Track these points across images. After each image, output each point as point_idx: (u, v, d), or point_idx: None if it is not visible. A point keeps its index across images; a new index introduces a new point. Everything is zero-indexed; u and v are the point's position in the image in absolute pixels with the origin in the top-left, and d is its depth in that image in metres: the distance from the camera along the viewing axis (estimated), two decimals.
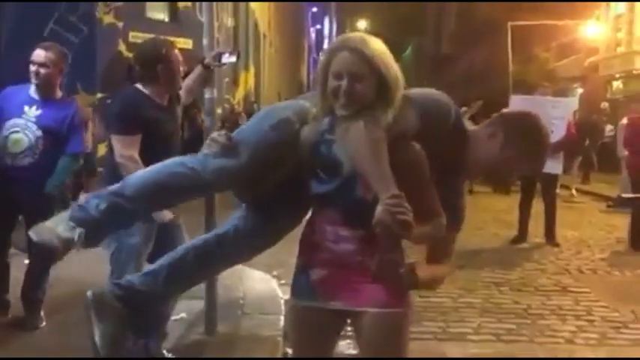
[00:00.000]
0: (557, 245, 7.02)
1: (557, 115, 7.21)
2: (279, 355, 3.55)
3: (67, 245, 2.02)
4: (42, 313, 3.86)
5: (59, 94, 3.92)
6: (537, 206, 7.31)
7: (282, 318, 4.05)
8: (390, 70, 1.88)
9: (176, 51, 3.29)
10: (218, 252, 2.20)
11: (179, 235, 3.26)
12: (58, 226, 2.03)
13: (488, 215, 9.00)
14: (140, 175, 2.15)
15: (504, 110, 2.22)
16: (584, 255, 6.73)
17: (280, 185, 2.08)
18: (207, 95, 3.86)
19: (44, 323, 3.84)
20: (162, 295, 2.27)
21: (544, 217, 7.22)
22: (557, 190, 9.63)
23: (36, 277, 3.85)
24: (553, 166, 7.17)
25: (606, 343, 4.11)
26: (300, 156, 1.98)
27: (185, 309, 4.30)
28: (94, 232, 2.07)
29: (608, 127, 14.24)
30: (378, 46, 1.90)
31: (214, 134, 2.11)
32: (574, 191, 11.68)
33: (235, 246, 2.19)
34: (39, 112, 3.75)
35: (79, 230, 2.03)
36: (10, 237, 3.96)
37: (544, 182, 7.27)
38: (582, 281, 5.63)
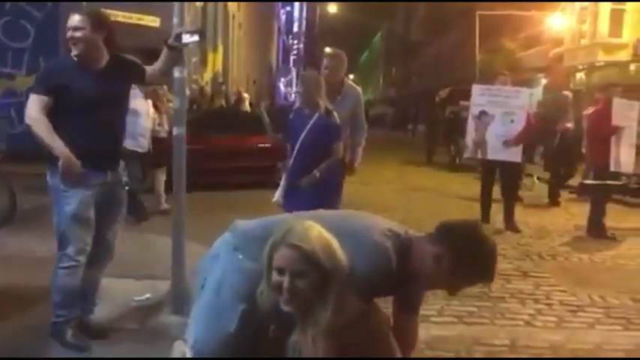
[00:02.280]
0: (518, 231, 7.18)
1: (518, 104, 7.36)
2: None
3: None
4: None
5: None
6: (499, 192, 7.46)
7: None
8: (332, 262, 1.86)
9: (87, 18, 3.24)
10: None
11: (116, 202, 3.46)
12: None
13: (453, 202, 9.15)
14: None
15: (445, 222, 2.15)
16: (545, 241, 6.91)
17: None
18: (176, 74, 3.82)
19: None
20: None
21: (504, 204, 7.38)
22: (523, 181, 9.88)
23: None
24: (512, 154, 7.33)
25: (563, 326, 4.25)
26: (265, 320, 2.04)
27: (150, 290, 4.30)
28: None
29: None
30: (319, 238, 1.87)
31: (182, 355, 2.08)
32: (535, 179, 11.93)
33: None
34: None
35: None
36: None
37: (503, 170, 7.43)
38: (542, 266, 5.78)
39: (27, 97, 3.31)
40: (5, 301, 3.86)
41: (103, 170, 3.35)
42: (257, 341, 2.14)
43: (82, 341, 3.36)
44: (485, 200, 7.42)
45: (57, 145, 3.17)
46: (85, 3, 11.08)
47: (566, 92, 11.25)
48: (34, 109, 3.21)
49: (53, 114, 3.22)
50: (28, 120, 3.22)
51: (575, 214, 8.39)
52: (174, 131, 3.92)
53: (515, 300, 4.74)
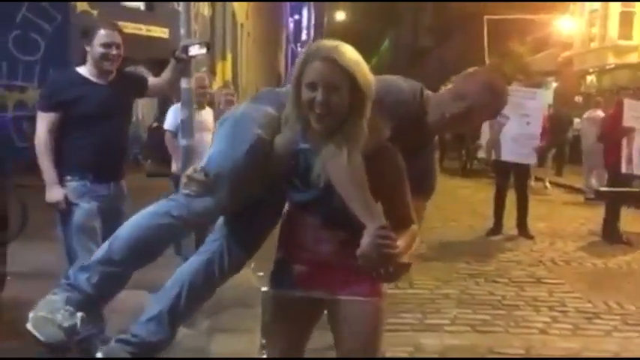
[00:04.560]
0: (531, 237, 7.11)
1: (533, 106, 7.30)
2: (257, 347, 3.54)
3: (72, 333, 1.97)
4: None
5: None
6: (512, 198, 7.39)
7: (259, 309, 4.04)
8: (365, 79, 1.83)
9: (104, 31, 3.24)
10: (209, 282, 2.16)
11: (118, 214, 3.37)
12: (54, 314, 1.96)
13: (464, 207, 9.09)
14: (125, 234, 2.07)
15: (468, 71, 2.15)
16: (558, 247, 6.84)
17: (257, 197, 2.06)
18: (183, 85, 3.82)
19: None
20: (172, 338, 2.22)
21: (517, 209, 7.31)
22: (532, 183, 9.79)
23: None
24: (527, 156, 7.26)
25: (579, 334, 4.19)
26: (276, 166, 1.95)
27: None
28: (92, 307, 2.05)
29: (576, 121, 14.47)
30: (351, 54, 1.84)
31: (190, 172, 2.03)
32: (547, 183, 11.84)
33: (222, 271, 2.15)
34: None
35: (79, 314, 1.98)
36: None
37: (517, 174, 7.35)
38: (556, 272, 5.72)
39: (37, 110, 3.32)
40: (19, 316, 3.85)
41: (107, 183, 3.36)
42: (266, 179, 2.02)
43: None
44: (500, 205, 7.33)
45: (49, 174, 3.21)
46: (95, 12, 11.21)
47: (577, 98, 11.19)
48: (42, 128, 3.24)
49: (60, 127, 3.24)
50: (35, 139, 3.26)
51: (589, 218, 8.31)
52: (182, 142, 3.91)
53: (530, 307, 4.68)
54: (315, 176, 1.88)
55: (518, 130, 7.13)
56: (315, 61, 1.80)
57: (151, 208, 2.07)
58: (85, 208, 3.25)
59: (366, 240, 1.72)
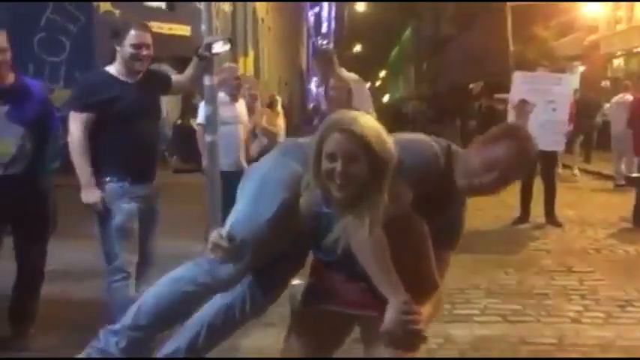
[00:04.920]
0: (559, 225, 7.01)
1: (560, 92, 7.17)
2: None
3: None
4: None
5: (11, 77, 3.33)
6: (539, 187, 7.29)
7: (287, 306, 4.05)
8: (384, 148, 1.84)
9: (134, 32, 3.25)
10: (229, 325, 2.23)
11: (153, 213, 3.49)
12: None
13: (491, 197, 8.95)
14: (151, 301, 2.15)
15: (493, 134, 2.08)
16: (588, 234, 6.73)
17: (281, 249, 2.12)
18: (206, 82, 3.83)
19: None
20: None
21: (544, 197, 7.20)
22: (560, 170, 9.64)
23: (27, 291, 3.56)
24: (556, 143, 7.14)
25: (612, 322, 4.12)
26: (300, 225, 1.99)
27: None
28: None
29: (606, 106, 14.21)
30: (369, 123, 1.85)
31: (216, 238, 2.05)
32: (576, 170, 11.66)
33: (243, 315, 2.22)
34: (6, 106, 3.25)
35: None
36: None
37: (544, 160, 7.23)
38: (587, 261, 5.63)
39: (67, 110, 3.34)
40: (53, 315, 3.93)
41: (143, 183, 3.39)
42: (291, 257, 2.10)
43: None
44: (526, 194, 7.21)
45: (84, 175, 3.22)
46: (118, 12, 11.32)
47: (604, 82, 10.98)
48: (76, 128, 3.22)
49: (94, 129, 3.24)
50: (68, 138, 3.25)
51: (619, 205, 8.14)
52: (207, 138, 3.93)
53: (560, 296, 4.62)
54: (333, 241, 1.90)
55: (544, 117, 7.00)
56: (334, 132, 1.83)
57: (177, 273, 2.15)
58: (125, 209, 3.27)
59: (390, 316, 1.73)
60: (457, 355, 3.59)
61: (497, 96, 13.79)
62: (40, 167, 3.44)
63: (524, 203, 7.22)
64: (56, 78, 11.80)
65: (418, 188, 1.94)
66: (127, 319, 2.15)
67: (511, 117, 7.26)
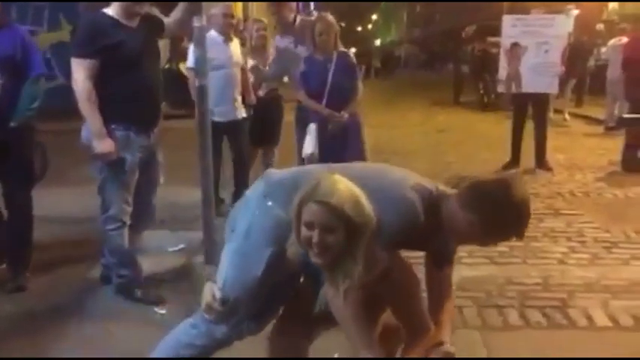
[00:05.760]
0: (550, 169, 7.05)
1: (552, 33, 7.09)
2: None
3: None
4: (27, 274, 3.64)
5: None
6: (530, 131, 7.30)
7: None
8: (361, 216, 1.83)
9: None
10: (221, 346, 2.25)
11: (155, 163, 3.50)
12: None
13: (481, 142, 9.01)
14: None
15: (476, 184, 2.01)
16: (577, 178, 6.80)
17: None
18: (195, 24, 3.75)
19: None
20: None
21: (535, 141, 7.22)
22: (551, 115, 9.64)
23: (17, 236, 3.57)
24: (549, 85, 7.10)
25: (597, 263, 4.21)
26: (288, 266, 2.04)
27: (184, 240, 4.37)
28: None
29: (603, 50, 14.08)
30: (347, 192, 1.83)
31: (209, 300, 2.10)
32: (567, 115, 11.66)
33: (237, 338, 2.24)
34: None
35: None
36: None
37: (536, 105, 7.21)
38: (575, 204, 5.71)
39: (52, 54, 3.26)
40: (48, 258, 3.97)
41: (147, 133, 3.34)
42: (284, 288, 2.17)
43: (153, 296, 3.42)
44: (517, 138, 7.22)
45: (96, 125, 3.12)
46: None
47: (598, 25, 10.84)
48: (81, 75, 3.10)
49: (97, 76, 3.13)
50: (74, 86, 3.12)
51: (609, 149, 8.20)
52: (197, 82, 3.87)
53: (548, 239, 4.70)
54: (322, 294, 2.04)
55: (536, 60, 6.96)
56: (311, 203, 1.83)
57: (175, 337, 2.21)
58: (129, 161, 3.22)
59: None
60: None
61: (490, 39, 13.60)
62: (12, 109, 3.36)
63: (515, 148, 7.24)
64: (39, 21, 11.52)
65: (400, 242, 2.02)
66: None
67: (503, 63, 7.21)
